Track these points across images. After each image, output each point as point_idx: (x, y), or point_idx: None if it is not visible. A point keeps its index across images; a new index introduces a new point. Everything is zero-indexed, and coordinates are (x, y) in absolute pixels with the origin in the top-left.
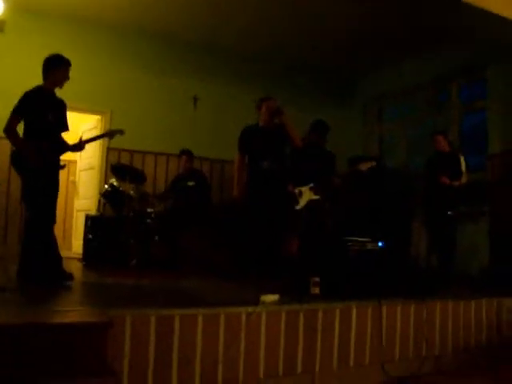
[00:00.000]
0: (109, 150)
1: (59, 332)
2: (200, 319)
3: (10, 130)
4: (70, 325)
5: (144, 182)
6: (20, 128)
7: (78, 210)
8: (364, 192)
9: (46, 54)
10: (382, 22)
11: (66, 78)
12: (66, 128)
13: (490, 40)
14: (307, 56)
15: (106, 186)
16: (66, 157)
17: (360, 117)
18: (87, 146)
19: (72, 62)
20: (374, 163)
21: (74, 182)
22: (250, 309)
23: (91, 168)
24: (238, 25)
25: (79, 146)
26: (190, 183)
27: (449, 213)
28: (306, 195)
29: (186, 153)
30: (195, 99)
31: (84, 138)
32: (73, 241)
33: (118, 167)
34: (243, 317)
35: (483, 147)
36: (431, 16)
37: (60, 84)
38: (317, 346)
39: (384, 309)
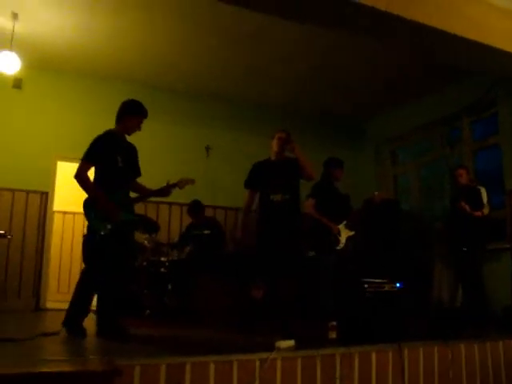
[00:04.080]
0: None
1: (60, 381)
2: (212, 367)
3: (80, 176)
4: (71, 373)
5: (157, 231)
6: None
7: None
8: (379, 225)
9: (61, 108)
10: (390, 64)
11: (138, 127)
12: (138, 173)
13: (498, 74)
14: (317, 101)
15: None
16: None
17: (373, 159)
18: None
19: (85, 116)
20: (386, 193)
21: None
22: (264, 355)
23: None
24: (248, 74)
25: (166, 191)
26: (206, 231)
27: (465, 249)
28: (344, 233)
29: (191, 211)
30: (207, 148)
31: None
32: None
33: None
34: (257, 364)
35: (499, 184)
36: (439, 55)
37: (130, 132)
38: None
39: (405, 352)
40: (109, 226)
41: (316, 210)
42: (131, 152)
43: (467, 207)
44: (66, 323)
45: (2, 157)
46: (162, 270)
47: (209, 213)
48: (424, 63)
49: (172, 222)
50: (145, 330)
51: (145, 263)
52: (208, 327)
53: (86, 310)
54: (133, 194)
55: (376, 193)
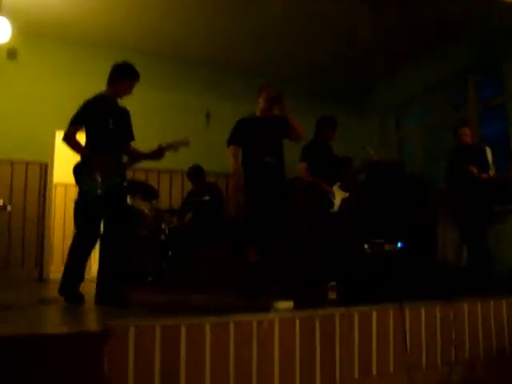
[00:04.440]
0: None
1: (47, 342)
2: (207, 328)
3: (68, 138)
4: (64, 335)
5: (157, 197)
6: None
7: None
8: (382, 187)
9: (59, 77)
10: (391, 27)
11: (129, 91)
12: (131, 137)
13: (504, 29)
14: (320, 66)
15: None
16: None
17: (377, 125)
18: None
19: (84, 85)
20: (383, 150)
21: None
22: (261, 316)
23: None
24: (249, 39)
25: (159, 154)
26: (206, 197)
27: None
28: (338, 194)
29: (189, 175)
30: (208, 115)
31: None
32: (92, 264)
33: (129, 183)
34: (254, 325)
35: (505, 148)
36: (440, 11)
37: (121, 95)
38: (336, 355)
39: (407, 312)
40: (99, 191)
41: (308, 172)
42: (123, 115)
43: (475, 170)
44: (61, 290)
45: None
46: (162, 237)
47: (210, 179)
48: (423, 23)
49: (173, 190)
50: (145, 297)
51: (145, 231)
52: (208, 293)
53: (81, 276)
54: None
55: (372, 152)
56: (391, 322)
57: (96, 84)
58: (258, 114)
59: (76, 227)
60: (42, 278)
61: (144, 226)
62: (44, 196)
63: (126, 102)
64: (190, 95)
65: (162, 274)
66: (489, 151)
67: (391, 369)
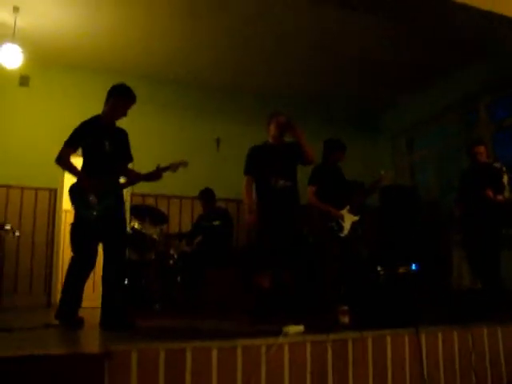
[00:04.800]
0: (132, 196)
1: (47, 363)
2: (214, 353)
3: (60, 159)
4: (59, 356)
5: (166, 222)
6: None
7: None
8: (396, 212)
9: (69, 104)
10: (402, 49)
11: (124, 113)
12: (129, 158)
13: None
14: (331, 90)
15: (128, 230)
16: None
17: (389, 149)
18: None
19: (94, 111)
20: (392, 173)
21: None
22: (270, 340)
23: None
24: (258, 64)
25: (156, 175)
26: (216, 222)
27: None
28: (348, 218)
29: (201, 197)
30: (218, 141)
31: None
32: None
33: (138, 208)
34: (263, 349)
35: None
36: (451, 35)
37: (116, 117)
38: (349, 381)
39: (423, 337)
40: (95, 213)
41: (317, 196)
42: (120, 137)
43: (491, 193)
44: (58, 315)
45: (10, 154)
46: (171, 262)
47: (221, 205)
48: (436, 47)
49: (183, 216)
50: (151, 322)
51: (153, 256)
52: (217, 319)
53: (79, 300)
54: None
55: (382, 172)
56: (407, 347)
57: (99, 109)
58: (270, 141)
59: (72, 250)
60: (50, 305)
61: (152, 250)
62: (53, 222)
63: (136, 128)
64: (201, 120)
65: (170, 299)
66: (505, 175)
67: None
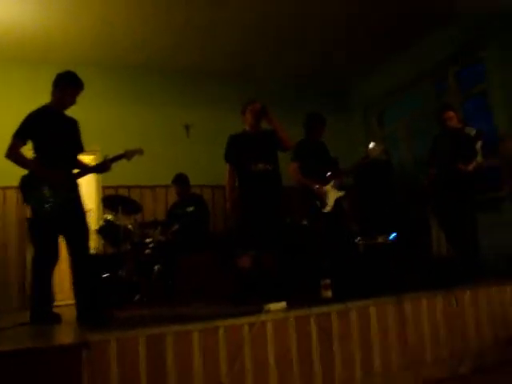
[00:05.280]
0: (104, 189)
1: (22, 358)
2: (196, 336)
3: (11, 153)
4: (33, 350)
5: (139, 211)
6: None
7: None
8: (372, 184)
9: (35, 99)
10: (367, 18)
11: (73, 100)
12: (80, 149)
13: (481, 16)
14: (300, 66)
15: (101, 222)
16: None
17: (361, 123)
18: (81, 189)
19: (79, 106)
20: (382, 146)
21: None
22: (252, 319)
23: (88, 211)
24: (226, 46)
25: (104, 166)
26: (190, 208)
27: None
28: (332, 194)
29: (175, 182)
30: (187, 127)
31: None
32: None
33: (109, 198)
34: (245, 329)
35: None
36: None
37: (65, 105)
38: (335, 355)
39: (407, 305)
40: (47, 206)
41: (300, 172)
42: (71, 126)
43: (463, 167)
44: (32, 318)
45: None
46: (147, 251)
47: (195, 191)
48: (401, 12)
49: (157, 205)
50: (131, 313)
51: (129, 247)
52: (198, 304)
53: (50, 296)
54: None
55: (371, 145)
56: (391, 315)
57: (91, 105)
58: (247, 129)
59: (33, 245)
60: (25, 307)
61: (128, 241)
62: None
63: (103, 118)
64: (169, 107)
65: (149, 290)
66: (477, 136)
67: (395, 366)
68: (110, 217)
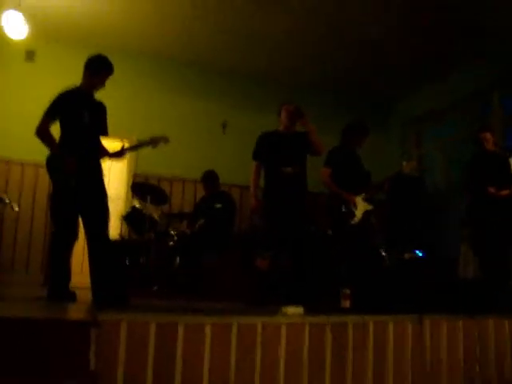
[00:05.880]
0: (135, 177)
1: (29, 326)
2: (208, 329)
3: (41, 131)
4: (41, 320)
5: (166, 202)
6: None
7: None
8: (404, 200)
9: (74, 82)
10: (416, 40)
11: (102, 84)
12: (105, 132)
13: None
14: (342, 79)
15: (128, 209)
16: None
17: (398, 139)
18: (112, 176)
19: (100, 90)
20: (415, 163)
21: None
22: (267, 319)
23: (118, 198)
24: (267, 48)
25: (120, 153)
26: (217, 205)
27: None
28: (361, 206)
29: (203, 179)
30: (224, 125)
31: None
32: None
33: (139, 186)
34: (259, 328)
35: None
36: (466, 26)
37: (95, 88)
38: (348, 366)
39: (426, 325)
40: (73, 182)
41: (332, 179)
42: (99, 110)
43: (493, 190)
44: (49, 294)
45: (12, 129)
46: (171, 243)
47: (224, 189)
48: (449, 38)
49: (185, 198)
50: (148, 301)
51: (153, 236)
52: (216, 300)
53: (67, 274)
54: None
55: (404, 163)
56: (409, 334)
57: (113, 89)
58: (280, 129)
59: (53, 223)
60: (46, 282)
61: (152, 230)
62: None
63: (145, 104)
64: (208, 103)
65: (168, 281)
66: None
67: None
68: (137, 204)
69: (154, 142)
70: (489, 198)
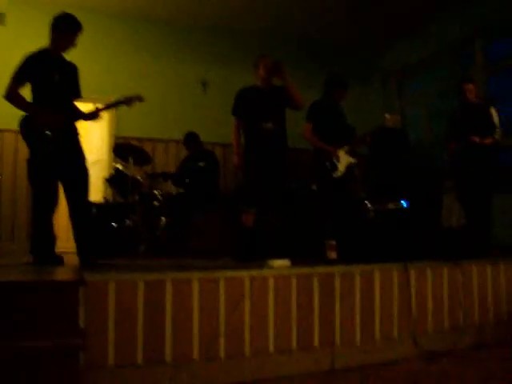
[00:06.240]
0: (116, 139)
1: (15, 290)
2: (195, 285)
3: (9, 95)
4: (27, 283)
5: (149, 163)
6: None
7: None
8: (390, 150)
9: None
10: None
11: (73, 43)
12: (77, 94)
13: None
14: (320, 32)
15: (111, 171)
16: None
17: (379, 92)
18: (94, 140)
19: (76, 52)
20: (398, 116)
21: None
22: (254, 272)
23: (100, 160)
24: (245, 3)
25: (94, 115)
26: (201, 164)
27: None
28: (344, 159)
29: (185, 141)
30: (204, 84)
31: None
32: None
33: (121, 147)
34: (246, 282)
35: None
36: None
37: (65, 48)
38: (335, 317)
39: (412, 273)
40: (50, 147)
41: (313, 134)
42: (70, 71)
43: (477, 139)
44: (35, 259)
45: None
46: (155, 203)
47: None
48: None
49: (169, 159)
50: (135, 262)
51: (137, 197)
52: (203, 258)
53: (52, 237)
54: None
55: (387, 116)
56: (395, 283)
57: (85, 50)
58: (258, 83)
59: (32, 187)
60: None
61: (136, 192)
62: None
63: (121, 66)
64: (187, 63)
65: (155, 242)
66: (494, 111)
67: (395, 333)
68: (120, 166)
69: (128, 100)
70: (471, 148)
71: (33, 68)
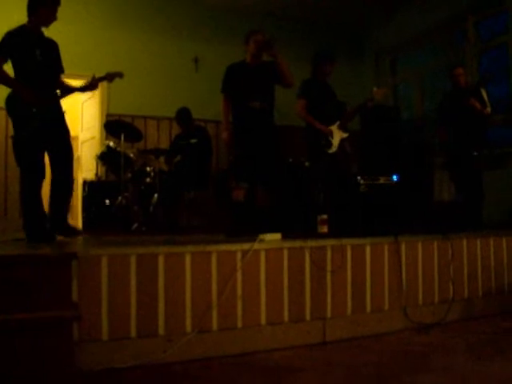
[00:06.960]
0: (108, 117)
1: (7, 264)
2: (187, 258)
3: None
4: (19, 256)
5: (141, 139)
6: None
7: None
8: (379, 129)
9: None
10: None
11: (54, 17)
12: (60, 69)
13: None
14: (312, 9)
15: (103, 149)
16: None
17: (372, 69)
18: (86, 117)
19: (64, 26)
20: (386, 90)
21: (78, 158)
22: (245, 246)
23: (92, 138)
24: None
25: (93, 85)
26: (193, 140)
27: (474, 153)
28: (337, 134)
29: (177, 117)
30: (196, 60)
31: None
32: (78, 214)
33: (112, 124)
34: (238, 255)
35: (505, 87)
36: None
37: (47, 23)
38: (327, 289)
39: (402, 246)
40: (36, 123)
41: (306, 111)
42: (51, 47)
43: (477, 104)
44: (28, 236)
45: None
46: (148, 180)
47: (200, 124)
48: None
49: (161, 136)
50: (128, 238)
51: (129, 174)
52: (195, 234)
53: (42, 213)
54: None
55: (375, 89)
56: (386, 256)
57: (74, 25)
58: (247, 59)
59: (18, 165)
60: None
61: (129, 169)
62: None
63: (111, 42)
64: (179, 39)
65: (148, 219)
66: (484, 91)
67: (386, 306)
68: (111, 143)
69: (109, 76)
70: (460, 130)
71: (12, 46)
